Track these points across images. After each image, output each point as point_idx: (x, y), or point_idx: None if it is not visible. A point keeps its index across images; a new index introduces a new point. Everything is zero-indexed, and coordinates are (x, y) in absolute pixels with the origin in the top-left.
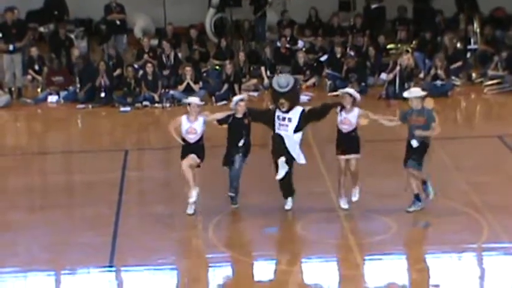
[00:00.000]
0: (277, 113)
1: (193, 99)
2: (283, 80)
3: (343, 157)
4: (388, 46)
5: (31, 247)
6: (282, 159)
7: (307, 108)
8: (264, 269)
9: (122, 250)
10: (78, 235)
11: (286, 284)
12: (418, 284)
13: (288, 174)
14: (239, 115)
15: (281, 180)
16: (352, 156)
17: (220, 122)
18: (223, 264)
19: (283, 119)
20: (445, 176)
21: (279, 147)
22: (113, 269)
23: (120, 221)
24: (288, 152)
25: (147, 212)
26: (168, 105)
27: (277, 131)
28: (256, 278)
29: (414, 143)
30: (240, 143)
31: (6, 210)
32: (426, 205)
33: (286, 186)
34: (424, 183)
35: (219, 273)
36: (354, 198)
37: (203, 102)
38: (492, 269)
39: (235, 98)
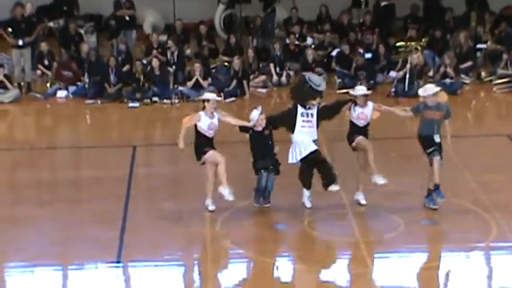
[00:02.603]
0: (301, 110)
1: (212, 95)
2: (318, 80)
3: (360, 137)
4: (398, 44)
5: (39, 241)
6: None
7: (321, 104)
8: (272, 266)
9: (130, 245)
10: (86, 230)
11: (294, 281)
12: (427, 282)
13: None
14: (259, 128)
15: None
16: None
17: (242, 130)
18: (231, 260)
19: (307, 115)
20: (453, 174)
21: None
22: (121, 264)
23: (128, 216)
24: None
25: (155, 207)
26: (176, 101)
27: (300, 129)
28: (263, 275)
29: (437, 138)
30: (276, 150)
31: (14, 204)
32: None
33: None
34: (436, 187)
35: (226, 270)
36: (381, 181)
37: (221, 98)
38: (500, 268)
39: (255, 115)
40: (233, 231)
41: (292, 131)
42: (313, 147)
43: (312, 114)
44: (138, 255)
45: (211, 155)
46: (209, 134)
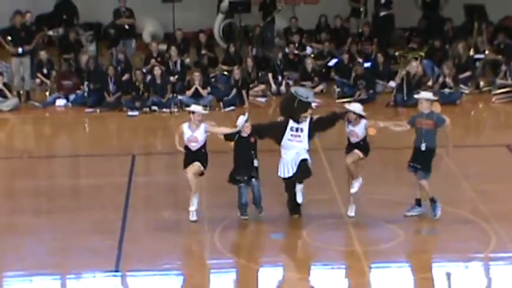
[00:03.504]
0: (291, 124)
1: (197, 108)
2: (305, 92)
3: (348, 158)
4: (398, 53)
5: (37, 251)
6: (300, 187)
7: (315, 116)
8: (269, 276)
9: (128, 255)
10: (85, 239)
11: None
12: None
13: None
14: (244, 134)
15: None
16: (356, 151)
17: (227, 138)
18: (229, 270)
19: (296, 129)
20: (452, 184)
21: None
22: (119, 273)
23: (126, 225)
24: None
25: (154, 217)
26: (176, 110)
27: (287, 142)
28: (261, 285)
29: (423, 147)
30: (256, 163)
31: (12, 213)
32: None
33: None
34: (433, 201)
35: (224, 279)
36: (352, 190)
37: (207, 111)
38: (499, 279)
39: (241, 120)
40: (231, 241)
41: (279, 143)
42: (288, 174)
43: (301, 129)
44: (136, 264)
45: (188, 176)
46: (191, 146)
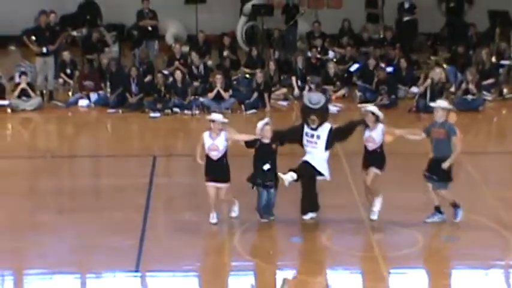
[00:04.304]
0: (306, 129)
1: (217, 116)
2: (315, 97)
3: (366, 171)
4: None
5: (58, 249)
6: (290, 175)
7: (334, 126)
8: (288, 279)
9: (148, 255)
10: (106, 239)
11: None
12: None
13: (313, 187)
14: (266, 140)
15: (305, 191)
16: (372, 169)
17: (248, 145)
18: (248, 272)
19: (312, 136)
20: (473, 191)
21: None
22: (139, 273)
23: (147, 226)
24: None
25: (174, 218)
26: (197, 112)
27: (305, 147)
28: None
29: (437, 156)
30: (265, 167)
31: (35, 211)
32: (452, 219)
33: (310, 199)
34: (455, 206)
35: (243, 282)
36: (373, 217)
37: (227, 120)
38: None
39: (260, 124)
40: (251, 244)
41: (301, 145)
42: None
43: (318, 136)
44: (156, 264)
45: (209, 187)
46: (211, 155)
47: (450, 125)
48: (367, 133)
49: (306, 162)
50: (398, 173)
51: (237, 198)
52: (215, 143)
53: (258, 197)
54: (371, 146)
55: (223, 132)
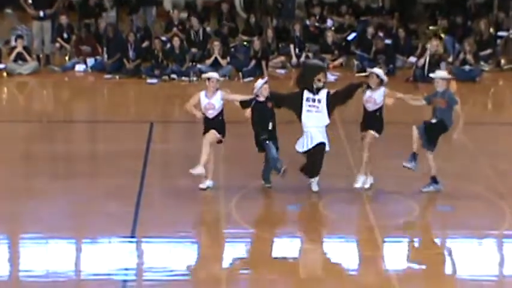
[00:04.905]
0: (307, 94)
1: (213, 74)
2: (317, 60)
3: (364, 133)
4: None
5: (54, 214)
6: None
7: (332, 91)
8: (284, 247)
9: (144, 221)
10: (101, 204)
11: (306, 263)
12: (438, 267)
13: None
14: (261, 99)
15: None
16: (370, 132)
17: (244, 105)
18: (244, 240)
19: (313, 100)
20: (469, 161)
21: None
22: (134, 239)
23: (143, 192)
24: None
25: (171, 184)
26: (195, 78)
27: (306, 114)
28: (275, 255)
29: (433, 120)
30: (270, 127)
31: (30, 176)
32: (448, 189)
33: (319, 165)
34: (434, 180)
35: (239, 249)
36: (357, 185)
37: (222, 78)
38: None
39: (259, 83)
40: (247, 211)
41: (299, 115)
42: (319, 140)
43: (319, 100)
44: (152, 231)
45: (203, 142)
46: (208, 114)
47: (450, 94)
48: (368, 93)
49: (320, 147)
50: (395, 142)
51: (233, 165)
52: (211, 102)
53: (268, 151)
54: (370, 107)
55: (218, 92)
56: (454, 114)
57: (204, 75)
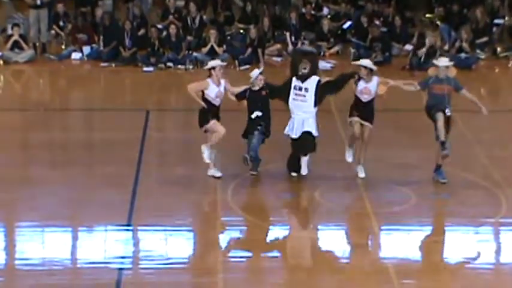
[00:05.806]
0: (294, 82)
1: (216, 62)
2: (306, 47)
3: (358, 119)
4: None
5: (50, 202)
6: (305, 159)
7: (323, 79)
8: (280, 234)
9: (140, 209)
10: (97, 193)
11: (301, 250)
12: (434, 256)
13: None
14: (256, 88)
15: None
16: (367, 124)
17: (239, 97)
18: (240, 227)
19: (300, 88)
20: (465, 149)
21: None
22: (131, 227)
23: (139, 180)
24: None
25: (167, 172)
26: (191, 67)
27: (292, 102)
28: (272, 243)
29: (448, 112)
30: (253, 115)
31: (27, 164)
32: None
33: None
34: (438, 168)
35: (234, 237)
36: (362, 175)
37: (226, 63)
38: (509, 244)
39: (255, 73)
40: (243, 199)
41: (286, 103)
42: (305, 129)
43: (306, 89)
44: (148, 219)
45: (213, 124)
46: (216, 102)
47: (454, 80)
48: (362, 84)
49: (307, 134)
50: (392, 131)
51: (229, 153)
52: (221, 90)
53: (248, 142)
54: (366, 98)
55: (222, 81)
56: (464, 97)
57: (210, 63)
